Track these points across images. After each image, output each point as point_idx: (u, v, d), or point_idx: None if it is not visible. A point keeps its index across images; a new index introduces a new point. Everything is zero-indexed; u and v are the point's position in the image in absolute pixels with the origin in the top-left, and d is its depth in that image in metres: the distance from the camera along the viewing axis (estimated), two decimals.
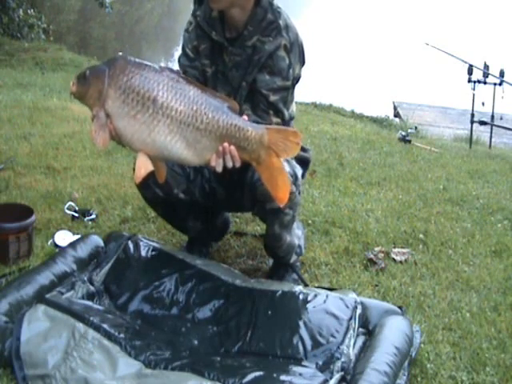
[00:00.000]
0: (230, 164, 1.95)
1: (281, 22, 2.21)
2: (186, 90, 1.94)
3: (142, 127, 1.92)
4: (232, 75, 2.27)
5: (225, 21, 2.26)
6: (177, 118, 1.91)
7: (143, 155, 1.96)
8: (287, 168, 2.14)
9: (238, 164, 1.96)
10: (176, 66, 2.39)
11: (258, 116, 2.24)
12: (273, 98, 2.23)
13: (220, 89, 2.28)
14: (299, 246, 2.57)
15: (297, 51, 2.25)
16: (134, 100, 1.91)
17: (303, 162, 2.39)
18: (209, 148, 1.95)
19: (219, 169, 1.96)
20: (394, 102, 9.49)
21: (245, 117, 2.03)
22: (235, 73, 2.26)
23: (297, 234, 2.50)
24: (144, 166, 1.96)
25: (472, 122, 5.83)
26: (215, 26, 2.25)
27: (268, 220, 2.29)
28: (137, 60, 1.98)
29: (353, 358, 1.93)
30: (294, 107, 2.41)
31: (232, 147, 1.94)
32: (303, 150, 2.45)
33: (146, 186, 2.28)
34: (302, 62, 2.29)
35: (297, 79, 2.29)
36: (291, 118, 2.39)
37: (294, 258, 2.54)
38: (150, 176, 2.09)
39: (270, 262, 2.63)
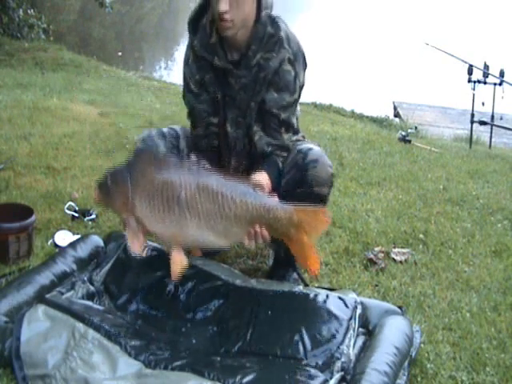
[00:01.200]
0: (260, 242, 1.97)
1: (282, 34, 2.17)
2: (209, 182, 1.92)
3: (171, 228, 1.93)
4: (240, 97, 2.23)
5: (225, 44, 2.20)
6: (204, 215, 1.91)
7: (177, 250, 1.96)
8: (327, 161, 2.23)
9: (268, 242, 1.99)
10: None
11: (270, 135, 2.23)
12: (284, 115, 2.22)
13: (229, 111, 2.26)
14: None
15: (300, 59, 2.22)
16: (159, 204, 1.91)
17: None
18: (240, 233, 1.96)
19: (252, 247, 2.01)
20: (393, 102, 9.49)
21: (275, 198, 2.01)
22: (243, 95, 2.22)
23: None
24: (179, 263, 1.96)
25: (472, 121, 5.84)
26: (217, 51, 2.19)
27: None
28: (155, 156, 2.01)
29: (353, 358, 1.93)
30: (298, 107, 2.41)
31: (263, 229, 1.94)
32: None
33: None
34: (305, 67, 2.27)
35: (302, 86, 2.27)
36: (296, 119, 2.39)
37: None
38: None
39: (270, 261, 2.63)
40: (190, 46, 2.26)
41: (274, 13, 2.23)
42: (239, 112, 2.25)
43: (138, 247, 1.97)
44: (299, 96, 2.27)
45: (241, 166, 2.35)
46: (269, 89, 2.19)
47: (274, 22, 2.18)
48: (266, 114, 2.22)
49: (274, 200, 1.98)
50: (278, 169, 2.24)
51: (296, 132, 2.40)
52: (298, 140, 2.39)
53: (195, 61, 2.25)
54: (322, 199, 2.27)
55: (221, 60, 2.19)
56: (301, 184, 2.23)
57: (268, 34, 2.16)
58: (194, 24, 2.23)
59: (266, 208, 1.93)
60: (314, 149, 2.28)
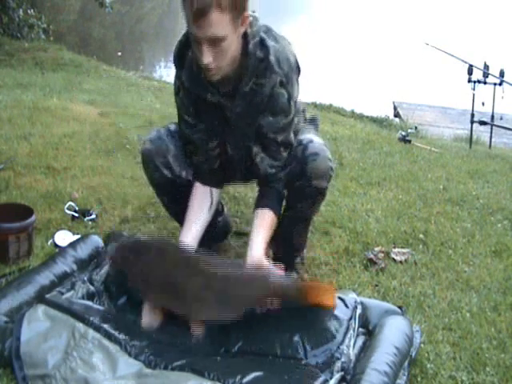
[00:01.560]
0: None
1: (271, 58, 2.07)
2: (215, 271, 1.94)
3: (182, 313, 1.99)
4: (237, 125, 2.20)
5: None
6: (212, 301, 1.94)
7: (195, 324, 2.01)
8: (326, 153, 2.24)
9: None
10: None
11: (271, 157, 2.21)
12: (280, 137, 2.19)
13: (228, 137, 2.24)
14: (303, 254, 2.61)
15: (293, 77, 2.15)
16: (168, 297, 1.98)
17: (312, 121, 2.47)
18: (249, 307, 1.98)
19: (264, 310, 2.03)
20: (393, 102, 9.50)
21: (281, 271, 2.01)
22: (239, 122, 2.18)
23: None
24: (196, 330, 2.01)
25: (472, 121, 5.84)
26: (207, 87, 2.11)
27: (306, 198, 2.29)
28: (162, 247, 2.03)
29: (353, 358, 1.93)
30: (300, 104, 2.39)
31: (274, 301, 1.96)
32: (313, 119, 2.50)
33: (154, 167, 2.31)
34: (298, 74, 2.20)
35: (296, 98, 2.22)
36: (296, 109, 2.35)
37: (297, 259, 2.55)
38: (158, 157, 2.26)
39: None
40: (179, 79, 2.20)
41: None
42: (238, 137, 2.23)
43: (153, 322, 2.03)
44: (295, 111, 2.21)
45: (244, 178, 2.37)
46: (264, 113, 2.15)
47: (262, 44, 2.07)
48: (264, 138, 2.19)
49: (280, 276, 1.98)
50: (281, 197, 2.25)
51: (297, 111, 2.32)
52: (299, 124, 2.35)
53: (187, 94, 2.19)
54: (320, 192, 2.28)
55: (214, 95, 2.12)
56: (300, 177, 2.23)
57: (258, 59, 2.07)
58: (180, 57, 2.15)
59: (273, 289, 1.94)
60: (315, 141, 2.26)
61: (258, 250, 2.10)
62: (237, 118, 2.17)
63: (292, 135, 2.25)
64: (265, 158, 2.21)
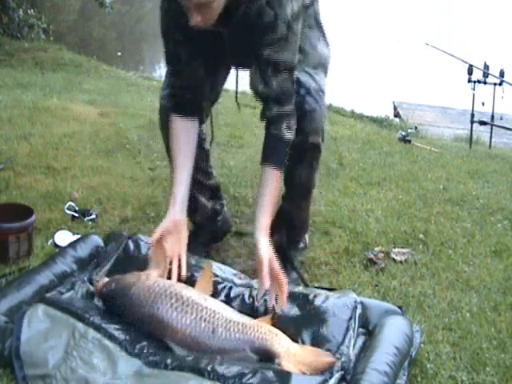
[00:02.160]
0: None
1: None
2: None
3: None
4: (233, 48, 2.18)
5: None
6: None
7: None
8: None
9: None
10: None
11: (260, 74, 2.11)
12: (266, 52, 2.08)
13: (225, 57, 2.23)
14: (305, 239, 2.59)
15: None
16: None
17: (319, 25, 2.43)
18: None
19: None
20: (393, 102, 9.49)
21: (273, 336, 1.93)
22: (235, 46, 2.16)
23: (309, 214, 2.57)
24: None
25: (472, 121, 5.84)
26: None
27: (305, 155, 2.28)
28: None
29: (353, 358, 1.92)
30: (323, 49, 2.38)
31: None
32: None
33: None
34: None
35: (296, 16, 2.09)
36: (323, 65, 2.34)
37: (301, 245, 2.54)
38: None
39: None
40: (168, 3, 2.15)
41: None
42: (237, 62, 2.24)
43: None
44: (289, 28, 2.08)
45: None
46: (252, 33, 2.08)
47: None
48: (253, 55, 2.11)
49: (276, 339, 1.91)
50: (286, 145, 2.15)
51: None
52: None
53: (177, 14, 2.08)
54: (317, 146, 2.28)
55: (207, 28, 2.05)
56: (298, 131, 2.18)
57: None
58: None
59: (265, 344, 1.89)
60: (312, 90, 2.22)
61: (264, 244, 2.05)
62: (232, 43, 2.15)
63: (286, 57, 2.11)
64: (256, 70, 2.13)
